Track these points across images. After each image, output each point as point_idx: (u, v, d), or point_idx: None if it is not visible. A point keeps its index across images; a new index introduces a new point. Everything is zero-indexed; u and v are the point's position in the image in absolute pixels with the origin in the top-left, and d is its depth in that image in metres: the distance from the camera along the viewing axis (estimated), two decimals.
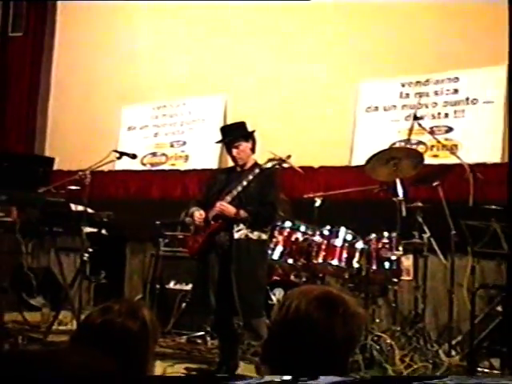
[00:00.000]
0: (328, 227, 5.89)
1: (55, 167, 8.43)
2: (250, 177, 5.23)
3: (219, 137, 5.59)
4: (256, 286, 5.29)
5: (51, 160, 8.48)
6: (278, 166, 5.35)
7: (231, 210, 5.23)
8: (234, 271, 5.17)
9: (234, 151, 5.42)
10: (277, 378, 1.76)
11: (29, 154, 9.23)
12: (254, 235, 5.26)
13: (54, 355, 1.36)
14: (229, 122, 7.76)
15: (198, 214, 5.38)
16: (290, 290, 2.12)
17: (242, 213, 5.21)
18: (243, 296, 5.13)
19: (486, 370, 5.38)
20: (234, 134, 5.45)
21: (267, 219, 5.39)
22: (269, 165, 5.29)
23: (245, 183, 5.24)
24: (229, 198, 5.26)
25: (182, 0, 8.53)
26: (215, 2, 8.31)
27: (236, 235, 5.25)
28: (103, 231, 6.90)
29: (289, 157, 5.39)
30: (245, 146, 5.42)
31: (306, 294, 2.01)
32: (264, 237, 5.36)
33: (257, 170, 5.23)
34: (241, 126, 5.58)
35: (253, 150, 5.49)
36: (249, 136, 5.47)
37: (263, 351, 2.13)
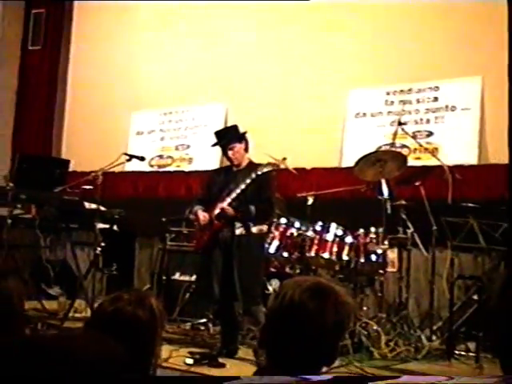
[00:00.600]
0: (320, 223, 5.89)
1: (70, 169, 8.43)
2: (248, 181, 5.26)
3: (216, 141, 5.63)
4: (255, 276, 5.36)
5: (67, 162, 8.48)
6: (275, 169, 5.36)
7: (232, 211, 5.28)
8: (235, 263, 5.22)
9: (230, 153, 5.46)
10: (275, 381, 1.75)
11: (46, 157, 9.22)
12: (256, 229, 5.31)
13: (70, 340, 1.37)
14: None
15: (202, 216, 5.40)
16: (285, 281, 2.12)
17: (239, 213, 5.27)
18: (244, 285, 5.21)
19: (462, 353, 5.39)
20: (228, 137, 5.49)
21: (265, 213, 5.44)
22: (266, 169, 5.30)
23: (243, 186, 5.26)
24: (229, 200, 5.29)
25: (187, 9, 8.54)
26: (217, 14, 8.32)
27: (237, 231, 5.29)
28: (114, 227, 6.89)
29: (284, 159, 5.41)
30: (239, 147, 5.45)
31: (299, 284, 2.01)
32: (264, 229, 5.41)
33: (254, 175, 5.25)
34: (233, 128, 5.63)
35: (246, 149, 5.52)
36: (241, 137, 5.50)
37: (261, 336, 2.13)
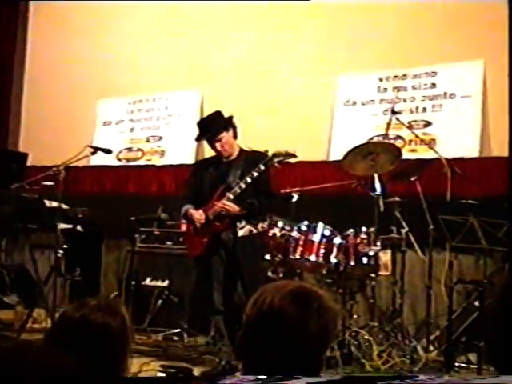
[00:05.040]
0: (305, 222, 5.88)
1: (29, 163, 8.37)
2: (255, 173, 5.12)
3: (196, 132, 5.54)
4: (260, 282, 5.22)
5: (25, 155, 8.41)
6: (284, 160, 5.24)
7: (235, 208, 5.19)
8: (240, 270, 5.14)
9: (218, 145, 5.33)
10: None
11: (1, 150, 9.15)
12: (258, 228, 5.24)
13: (20, 355, 1.34)
14: (205, 115, 7.76)
15: (198, 215, 5.29)
16: (265, 286, 2.12)
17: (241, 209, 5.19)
18: (250, 291, 5.11)
19: (463, 365, 5.42)
20: (214, 128, 5.37)
21: (270, 208, 5.40)
22: (277, 159, 5.20)
23: (249, 180, 5.14)
24: (231, 196, 5.19)
25: None
26: None
27: (240, 232, 5.21)
28: (78, 227, 6.88)
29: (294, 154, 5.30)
30: (227, 136, 5.33)
31: (279, 288, 2.01)
32: (265, 226, 5.39)
33: (262, 166, 5.12)
34: (217, 116, 5.49)
35: (235, 136, 5.42)
36: (228, 124, 5.40)
37: (238, 347, 2.12)
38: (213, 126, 5.38)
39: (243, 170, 5.25)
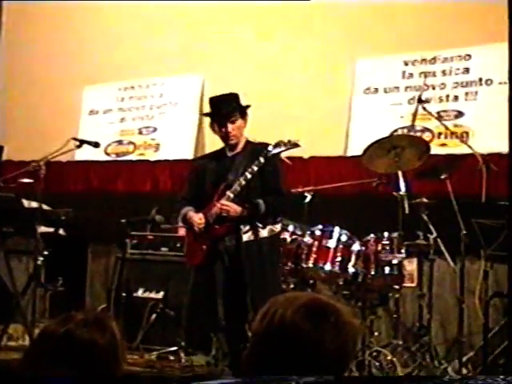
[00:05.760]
0: (320, 226, 5.89)
1: (4, 157, 8.40)
2: (255, 168, 5.09)
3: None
4: (272, 288, 5.18)
5: (0, 149, 8.44)
6: (288, 148, 5.21)
7: (236, 209, 5.16)
8: (246, 280, 5.11)
9: (230, 127, 5.29)
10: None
11: None
12: (266, 231, 5.20)
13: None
14: (206, 105, 7.76)
15: (198, 218, 5.26)
16: (274, 298, 2.11)
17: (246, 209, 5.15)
18: (258, 304, 5.07)
19: None
20: (230, 107, 5.35)
21: (276, 208, 5.32)
22: (276, 150, 5.19)
23: (249, 175, 5.11)
24: (231, 195, 5.16)
25: None
26: None
27: (244, 237, 5.19)
28: (60, 231, 6.88)
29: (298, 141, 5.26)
30: (240, 121, 5.33)
31: (291, 301, 2.01)
32: (276, 229, 5.32)
33: (262, 158, 5.10)
34: (235, 97, 5.47)
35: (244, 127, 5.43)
36: (245, 110, 5.40)
37: (243, 368, 2.12)
38: (229, 104, 5.36)
39: (246, 165, 5.22)
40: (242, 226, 5.20)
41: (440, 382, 2.01)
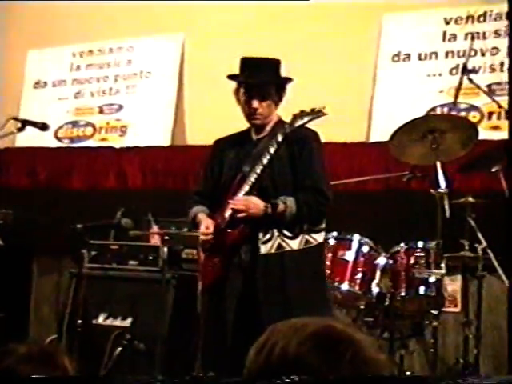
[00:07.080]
0: (335, 233, 5.94)
1: None
2: (272, 149, 4.94)
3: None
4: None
5: None
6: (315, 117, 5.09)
7: (256, 203, 4.95)
8: (264, 308, 4.86)
9: (256, 103, 5.12)
10: None
11: None
12: (296, 242, 5.02)
13: None
14: (188, 74, 7.77)
15: (204, 228, 5.12)
16: (274, 325, 2.07)
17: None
18: None
19: None
20: (265, 76, 5.25)
21: (316, 211, 5.08)
22: (299, 122, 5.07)
23: (265, 161, 4.95)
24: (247, 188, 5.01)
25: None
26: None
27: (262, 249, 4.99)
28: None
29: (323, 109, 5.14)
30: (273, 99, 5.23)
31: (296, 330, 1.98)
32: (316, 240, 5.07)
33: (280, 137, 4.96)
34: (275, 65, 5.35)
35: (276, 106, 5.30)
36: (283, 86, 5.27)
37: None
38: (268, 73, 5.28)
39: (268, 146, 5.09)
40: (260, 234, 5.06)
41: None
